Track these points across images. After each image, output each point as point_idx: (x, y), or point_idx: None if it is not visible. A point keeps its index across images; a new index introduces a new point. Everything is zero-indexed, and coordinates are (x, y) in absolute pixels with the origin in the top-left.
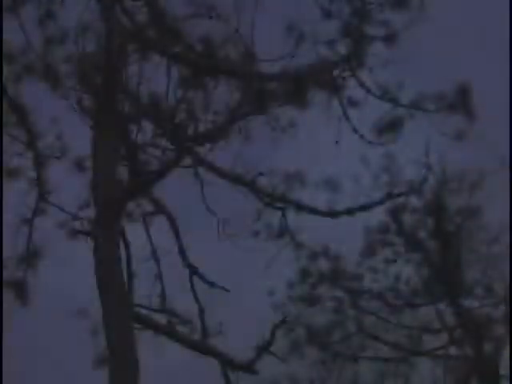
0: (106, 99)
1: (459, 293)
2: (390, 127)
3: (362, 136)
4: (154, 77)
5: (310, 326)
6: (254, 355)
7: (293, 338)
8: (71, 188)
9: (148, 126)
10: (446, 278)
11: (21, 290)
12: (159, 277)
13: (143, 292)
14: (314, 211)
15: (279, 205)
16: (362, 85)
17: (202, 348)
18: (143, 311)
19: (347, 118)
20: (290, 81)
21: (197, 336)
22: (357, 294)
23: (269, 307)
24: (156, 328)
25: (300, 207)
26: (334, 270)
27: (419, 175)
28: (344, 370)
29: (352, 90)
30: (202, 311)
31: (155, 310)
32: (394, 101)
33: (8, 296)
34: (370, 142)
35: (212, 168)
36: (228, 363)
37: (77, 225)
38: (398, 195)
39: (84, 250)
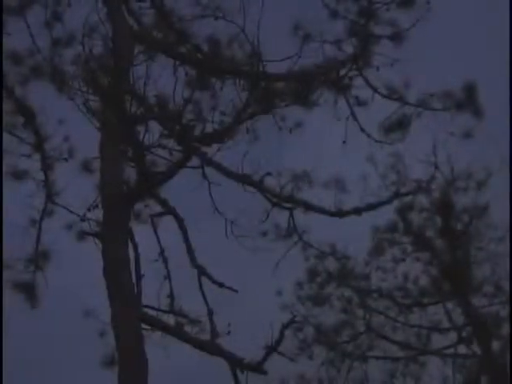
0: (113, 100)
1: (468, 291)
2: (397, 126)
3: (369, 135)
4: (160, 78)
5: (318, 325)
6: (263, 355)
7: (301, 338)
8: (79, 189)
9: (155, 127)
10: (454, 276)
11: (30, 292)
12: (168, 277)
13: (151, 293)
14: (321, 211)
15: (287, 205)
16: (368, 84)
17: (211, 348)
18: (151, 312)
19: (354, 118)
20: (296, 81)
21: (205, 336)
22: (365, 293)
23: (277, 307)
24: (164, 329)
25: (308, 207)
26: (341, 269)
27: (427, 174)
28: (353, 369)
29: (359, 89)
30: (210, 312)
31: (164, 311)
32: (401, 100)
33: (17, 298)
34: (377, 141)
35: (219, 168)
36: (237, 363)
37: (85, 226)
38: (406, 194)
39: (92, 252)
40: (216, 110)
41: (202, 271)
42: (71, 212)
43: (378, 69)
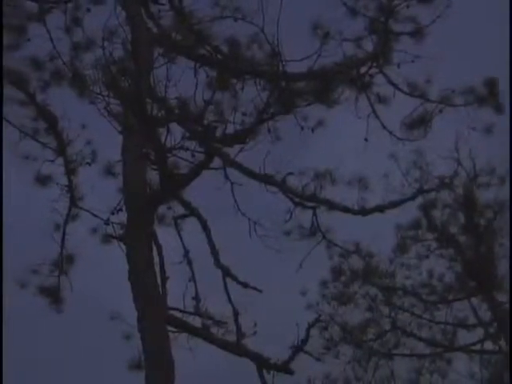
0: (134, 104)
1: (493, 287)
2: (419, 123)
3: (391, 132)
4: (181, 80)
5: (343, 324)
6: (289, 355)
7: (327, 337)
8: (102, 193)
9: (176, 129)
10: (479, 272)
11: (55, 296)
12: (192, 279)
13: (177, 295)
14: (344, 209)
15: (310, 204)
16: (389, 81)
17: (237, 349)
18: (177, 314)
19: (376, 115)
20: (317, 79)
21: (231, 337)
22: (390, 291)
23: (302, 307)
24: (190, 330)
25: (331, 206)
26: (366, 267)
27: (449, 170)
28: (379, 367)
29: (380, 86)
30: (235, 312)
31: (189, 313)
32: (422, 96)
33: (43, 302)
34: (399, 139)
35: (241, 169)
36: (263, 364)
37: (109, 230)
38: (429, 191)
39: (117, 255)
40: (237, 111)
41: (226, 272)
42: (95, 216)
43: (398, 66)
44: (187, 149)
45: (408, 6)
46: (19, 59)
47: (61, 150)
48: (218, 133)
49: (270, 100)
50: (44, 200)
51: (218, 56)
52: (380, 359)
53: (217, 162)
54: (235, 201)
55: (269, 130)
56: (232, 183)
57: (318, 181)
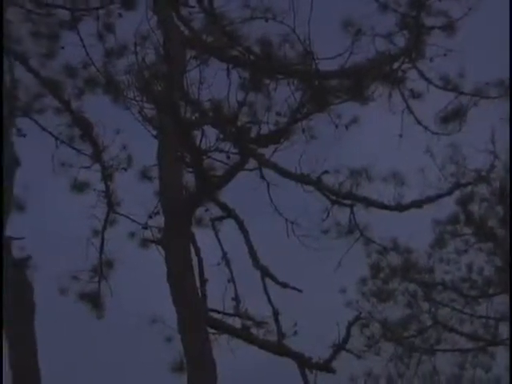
0: (168, 107)
1: None
2: (454, 117)
3: (425, 127)
4: (214, 82)
5: (384, 321)
6: (331, 354)
7: (368, 335)
8: (139, 198)
9: (211, 131)
10: None
11: (95, 302)
12: (231, 280)
13: (216, 296)
14: (381, 206)
15: (346, 202)
16: (422, 76)
17: (278, 349)
18: (217, 316)
19: (410, 111)
20: (349, 77)
21: (272, 337)
22: (430, 286)
23: (342, 305)
24: (231, 332)
25: (368, 203)
26: (404, 263)
27: (486, 163)
28: (421, 363)
29: (413, 81)
30: (275, 312)
31: (229, 314)
32: (456, 90)
33: (83, 308)
34: (434, 133)
35: (277, 169)
36: (305, 363)
37: (147, 234)
38: (466, 185)
39: (155, 259)
40: (271, 111)
41: (265, 272)
42: (133, 220)
43: (431, 60)
44: (222, 150)
45: (440, 0)
46: (54, 67)
47: (97, 156)
48: (253, 134)
49: (304, 99)
50: (82, 207)
51: (251, 57)
52: (422, 355)
53: (252, 162)
54: (272, 201)
55: (303, 130)
56: (268, 183)
57: (354, 178)
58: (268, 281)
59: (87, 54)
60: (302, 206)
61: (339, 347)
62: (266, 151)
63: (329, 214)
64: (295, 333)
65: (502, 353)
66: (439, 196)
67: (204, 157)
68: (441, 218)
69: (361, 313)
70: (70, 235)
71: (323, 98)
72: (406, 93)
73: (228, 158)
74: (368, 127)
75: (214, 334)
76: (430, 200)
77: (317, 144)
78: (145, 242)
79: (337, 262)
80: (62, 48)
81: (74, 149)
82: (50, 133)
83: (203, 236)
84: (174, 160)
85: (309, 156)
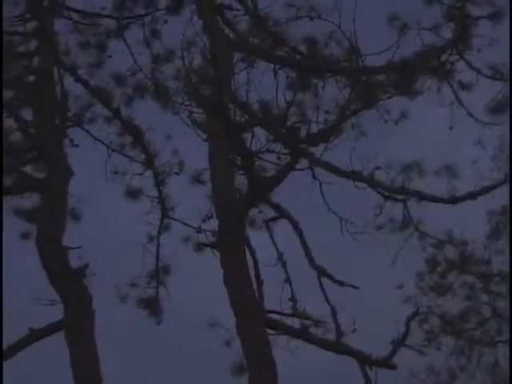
0: (217, 111)
1: None
2: (505, 106)
3: (476, 119)
4: (261, 83)
5: (443, 315)
6: (391, 350)
7: (427, 329)
8: (192, 202)
9: (261, 133)
10: None
11: (154, 308)
12: (288, 281)
13: (273, 297)
14: (435, 199)
15: (399, 197)
16: (471, 67)
17: (338, 348)
18: (275, 316)
19: (459, 102)
20: (397, 71)
21: (331, 336)
22: (487, 278)
23: (399, 300)
24: (289, 332)
25: (421, 197)
26: (461, 256)
27: None
28: (483, 356)
29: (462, 73)
30: (333, 311)
31: (287, 315)
32: (505, 79)
33: (142, 314)
34: (485, 124)
35: (328, 167)
36: (365, 361)
37: (201, 238)
38: None
39: (211, 262)
40: (319, 110)
41: (321, 272)
42: (187, 225)
43: (478, 50)
44: (273, 151)
45: None
46: (102, 76)
47: (149, 162)
48: (302, 133)
49: (352, 96)
50: (136, 213)
51: (297, 56)
52: (483, 348)
53: (303, 162)
54: (324, 199)
55: (352, 126)
56: (320, 182)
57: (406, 173)
58: (324, 279)
59: (135, 61)
60: (354, 204)
61: (399, 343)
62: (317, 150)
63: (382, 209)
64: (354, 330)
65: None
66: (493, 187)
67: (255, 158)
68: (495, 208)
69: (419, 308)
70: (125, 242)
71: (371, 94)
72: (454, 85)
73: (279, 158)
74: (418, 121)
75: (272, 335)
76: (483, 191)
77: (367, 140)
78: (200, 246)
79: (392, 258)
80: (110, 57)
81: (126, 156)
82: (102, 142)
83: (257, 237)
84: (225, 163)
85: (359, 153)
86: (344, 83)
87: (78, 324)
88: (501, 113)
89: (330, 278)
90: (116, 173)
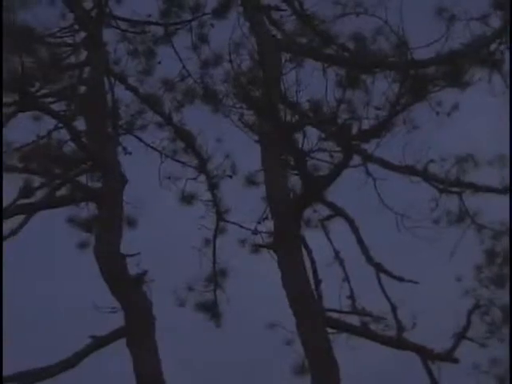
0: (268, 112)
1: None
2: None
3: None
4: (311, 82)
5: (504, 307)
6: (452, 343)
7: (489, 322)
8: (246, 204)
9: (312, 132)
10: None
11: (213, 311)
12: (346, 279)
13: (331, 296)
14: (490, 190)
15: (455, 189)
16: None
17: (399, 344)
18: (334, 315)
19: (511, 91)
20: (447, 63)
21: (392, 332)
22: None
23: (459, 293)
24: (350, 330)
25: (476, 188)
26: None
27: None
28: None
29: None
30: (393, 307)
31: (346, 312)
32: None
33: (201, 317)
34: None
35: (381, 163)
36: (427, 355)
37: (257, 239)
38: None
39: (268, 264)
40: (370, 106)
41: (379, 268)
42: (242, 227)
43: None
44: (325, 150)
45: None
46: (152, 83)
47: (201, 166)
48: (354, 130)
49: (402, 90)
50: (191, 218)
51: (345, 53)
52: None
53: (356, 159)
54: (379, 195)
55: (404, 121)
56: (374, 179)
57: (460, 165)
58: (382, 276)
59: (183, 66)
60: (409, 198)
61: (460, 336)
62: (369, 146)
63: (438, 203)
64: (414, 325)
65: None
66: None
67: (307, 158)
68: None
69: (479, 300)
70: (181, 247)
71: (422, 87)
72: (505, 74)
73: (331, 156)
74: (469, 112)
75: (332, 333)
76: None
77: (419, 134)
78: (256, 248)
79: (450, 251)
80: (159, 63)
81: (179, 161)
82: (154, 148)
83: (313, 237)
84: (277, 164)
85: (412, 147)
86: (393, 78)
87: (139, 330)
88: None
89: (389, 274)
90: (169, 178)
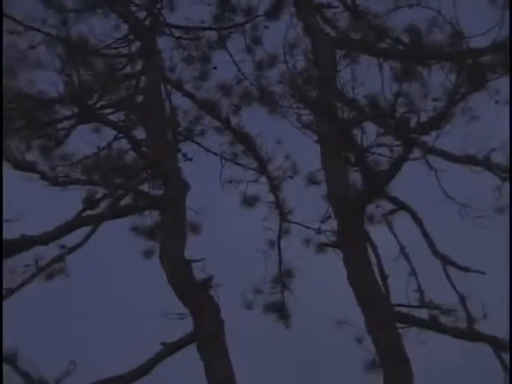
0: (325, 110)
1: None
2: None
3: None
4: (366, 77)
5: None
6: None
7: None
8: (309, 204)
9: (370, 127)
10: None
11: (281, 312)
12: (413, 273)
13: (398, 291)
14: None
15: None
16: None
17: (471, 335)
18: (403, 310)
19: None
20: (503, 51)
21: (462, 324)
22: None
23: None
24: (420, 324)
25: None
26: None
27: None
28: None
29: None
30: (462, 298)
31: (415, 306)
32: None
33: (270, 319)
34: None
35: (442, 154)
36: (499, 345)
37: (321, 238)
38: None
39: (333, 262)
40: (428, 98)
41: (446, 260)
42: (306, 227)
43: None
44: (384, 144)
45: None
46: (208, 88)
47: (262, 168)
48: (412, 123)
49: (459, 80)
50: (255, 220)
51: (400, 47)
52: None
53: (416, 152)
54: (441, 187)
55: (463, 111)
56: (436, 171)
57: None
58: (448, 267)
59: (239, 69)
60: (472, 189)
61: None
62: (429, 138)
63: (500, 192)
64: (485, 316)
65: None
66: None
67: (367, 154)
68: None
69: None
70: (246, 250)
71: (479, 76)
72: None
73: (391, 151)
74: None
75: (402, 328)
76: None
77: (479, 123)
78: (321, 247)
79: None
80: (215, 68)
81: (239, 165)
82: (214, 153)
83: (377, 232)
84: (337, 161)
85: (472, 137)
86: (450, 68)
87: (209, 335)
88: None
89: (455, 265)
90: (230, 182)
